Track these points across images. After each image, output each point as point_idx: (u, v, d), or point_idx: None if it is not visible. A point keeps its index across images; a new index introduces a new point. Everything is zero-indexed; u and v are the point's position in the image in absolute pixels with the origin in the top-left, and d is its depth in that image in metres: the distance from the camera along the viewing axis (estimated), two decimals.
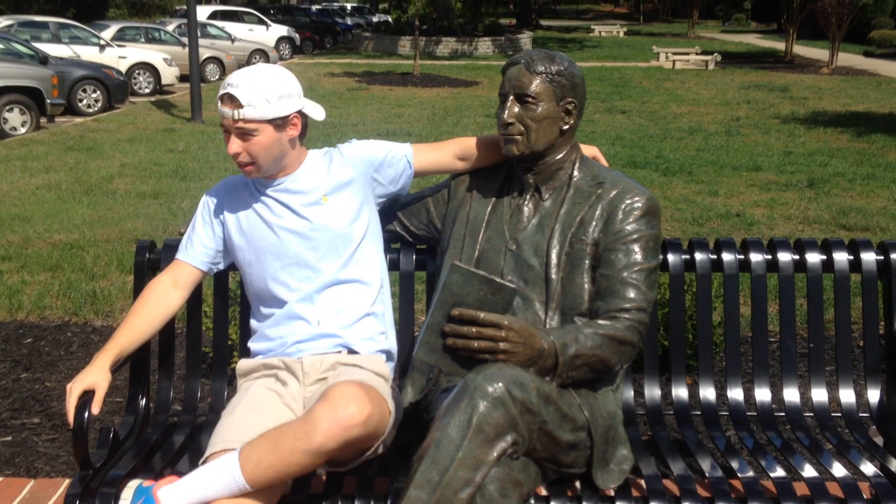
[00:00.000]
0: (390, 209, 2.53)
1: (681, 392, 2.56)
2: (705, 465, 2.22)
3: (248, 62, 23.14)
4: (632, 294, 2.13)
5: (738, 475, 2.17)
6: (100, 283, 5.27)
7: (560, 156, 2.28)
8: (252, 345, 2.40)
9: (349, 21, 40.68)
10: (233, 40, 24.13)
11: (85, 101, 14.57)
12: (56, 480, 2.94)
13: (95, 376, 2.15)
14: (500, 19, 36.64)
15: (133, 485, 2.05)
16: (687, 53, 26.09)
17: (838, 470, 2.19)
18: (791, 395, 2.55)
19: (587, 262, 2.18)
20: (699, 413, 2.54)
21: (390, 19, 31.86)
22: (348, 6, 48.43)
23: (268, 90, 2.19)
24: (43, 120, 12.57)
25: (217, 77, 20.89)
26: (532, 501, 2.04)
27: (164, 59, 18.30)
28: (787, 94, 17.21)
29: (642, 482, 2.17)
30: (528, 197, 2.31)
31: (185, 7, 21.86)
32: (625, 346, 2.10)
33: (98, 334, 4.43)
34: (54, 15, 25.64)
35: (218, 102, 2.23)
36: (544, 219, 2.26)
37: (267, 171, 2.30)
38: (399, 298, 2.62)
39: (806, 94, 17.18)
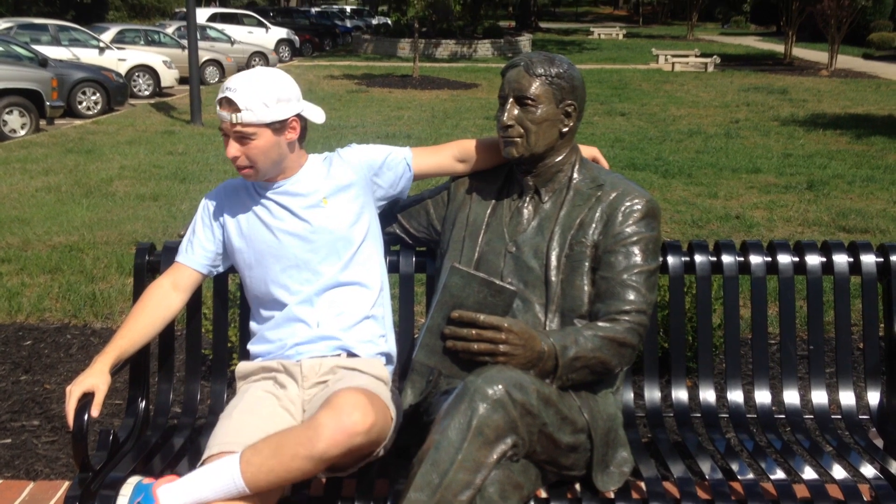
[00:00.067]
0: (390, 211, 2.53)
1: (681, 394, 2.56)
2: (705, 467, 2.22)
3: (247, 64, 23.15)
4: (632, 296, 2.13)
5: (738, 477, 2.17)
6: (99, 286, 5.27)
7: (559, 158, 2.28)
8: (251, 347, 2.40)
9: (348, 23, 40.69)
10: (232, 43, 24.15)
11: (84, 104, 14.57)
12: (56, 483, 2.93)
13: (95, 379, 2.15)
14: (499, 22, 36.60)
15: (132, 481, 2.05)
16: (686, 56, 26.07)
17: (838, 472, 2.19)
18: (791, 397, 2.55)
19: (587, 264, 2.18)
20: (699, 415, 2.54)
21: (390, 22, 31.90)
22: (348, 8, 48.53)
23: (266, 94, 2.19)
24: (42, 122, 12.57)
25: (216, 79, 20.89)
26: None
27: (163, 61, 18.30)
28: (786, 97, 17.21)
29: (642, 484, 2.17)
30: (527, 199, 2.30)
31: (184, 9, 21.88)
32: (625, 348, 2.10)
33: (98, 336, 4.42)
34: (54, 17, 25.59)
35: (216, 106, 2.23)
36: (544, 221, 2.26)
37: (266, 175, 2.30)
38: (399, 300, 2.62)
39: (805, 97, 17.18)
